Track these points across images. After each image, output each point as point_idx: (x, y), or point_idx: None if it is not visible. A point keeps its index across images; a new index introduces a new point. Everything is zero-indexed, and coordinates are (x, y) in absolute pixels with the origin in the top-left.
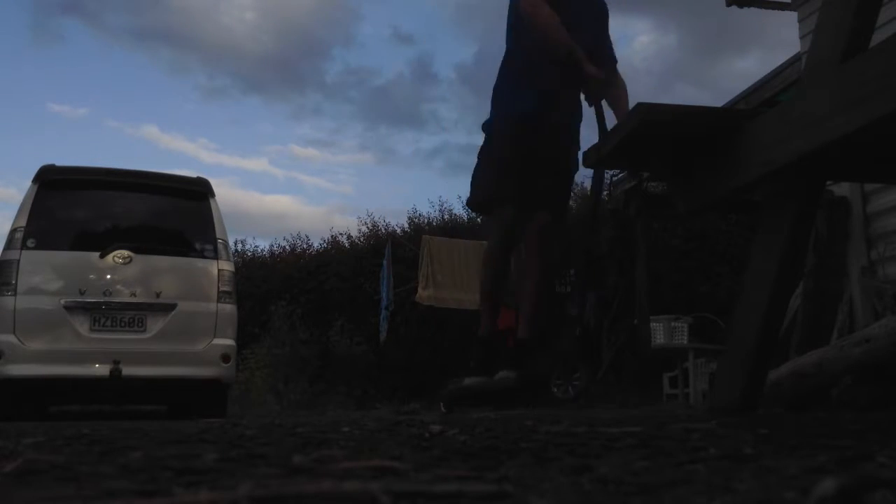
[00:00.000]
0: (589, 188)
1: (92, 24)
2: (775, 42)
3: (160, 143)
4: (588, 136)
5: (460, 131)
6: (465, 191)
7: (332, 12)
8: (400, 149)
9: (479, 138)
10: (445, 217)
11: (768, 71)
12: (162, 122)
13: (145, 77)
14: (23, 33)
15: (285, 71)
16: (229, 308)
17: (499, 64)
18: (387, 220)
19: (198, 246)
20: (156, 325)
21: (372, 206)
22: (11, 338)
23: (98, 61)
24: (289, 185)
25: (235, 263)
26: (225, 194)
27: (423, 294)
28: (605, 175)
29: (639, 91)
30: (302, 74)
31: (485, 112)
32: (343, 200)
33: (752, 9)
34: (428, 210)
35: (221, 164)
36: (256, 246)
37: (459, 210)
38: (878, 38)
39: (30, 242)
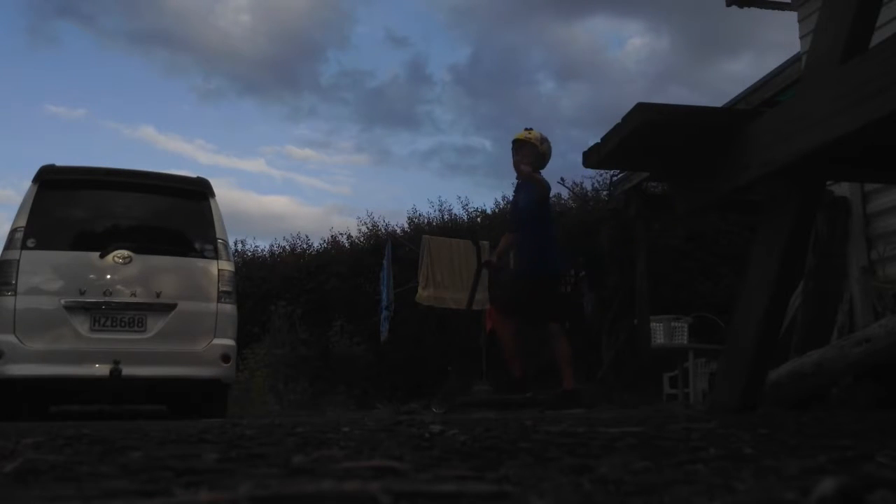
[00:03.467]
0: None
1: (88, 27)
2: (769, 44)
3: (157, 144)
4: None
5: (456, 132)
6: (462, 191)
7: (327, 15)
8: (396, 150)
9: (476, 139)
10: (445, 217)
11: (764, 73)
12: (159, 122)
13: (142, 78)
14: (19, 36)
15: (281, 73)
16: (229, 308)
17: (493, 64)
18: (386, 221)
19: (198, 246)
20: (156, 325)
21: (369, 206)
22: (11, 338)
23: (94, 63)
24: (286, 185)
25: (235, 263)
26: (222, 195)
27: (423, 294)
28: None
29: (634, 92)
30: (297, 76)
31: (482, 113)
32: (340, 201)
33: (750, 11)
34: (427, 210)
35: (219, 164)
36: (256, 246)
37: (459, 210)
38: (878, 37)
39: (30, 242)
